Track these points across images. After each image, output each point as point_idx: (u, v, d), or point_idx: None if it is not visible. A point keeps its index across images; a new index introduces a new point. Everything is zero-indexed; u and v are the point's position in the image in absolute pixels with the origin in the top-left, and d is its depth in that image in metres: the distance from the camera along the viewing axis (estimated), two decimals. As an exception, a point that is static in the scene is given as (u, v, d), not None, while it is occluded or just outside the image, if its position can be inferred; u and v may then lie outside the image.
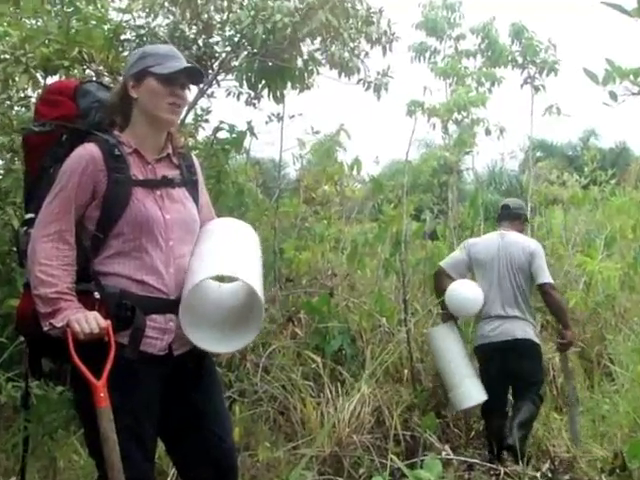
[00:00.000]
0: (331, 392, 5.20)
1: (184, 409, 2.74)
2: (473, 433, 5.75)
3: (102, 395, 2.44)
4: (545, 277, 5.32)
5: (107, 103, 2.75)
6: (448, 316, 5.43)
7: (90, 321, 2.45)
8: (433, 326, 5.83)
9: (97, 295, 2.55)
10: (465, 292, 5.33)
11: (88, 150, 2.61)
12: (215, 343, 2.71)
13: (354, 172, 7.80)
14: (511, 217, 5.59)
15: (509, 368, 5.23)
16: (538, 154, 19.10)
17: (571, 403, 5.49)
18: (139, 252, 2.61)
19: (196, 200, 2.83)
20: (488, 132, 9.40)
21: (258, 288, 2.64)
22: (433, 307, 6.27)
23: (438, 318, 5.88)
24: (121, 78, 2.80)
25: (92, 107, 2.76)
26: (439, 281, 5.49)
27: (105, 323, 2.48)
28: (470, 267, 5.48)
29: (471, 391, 5.22)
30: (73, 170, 2.58)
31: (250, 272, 2.70)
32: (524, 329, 5.25)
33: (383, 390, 5.48)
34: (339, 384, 5.35)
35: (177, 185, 2.77)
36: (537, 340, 5.37)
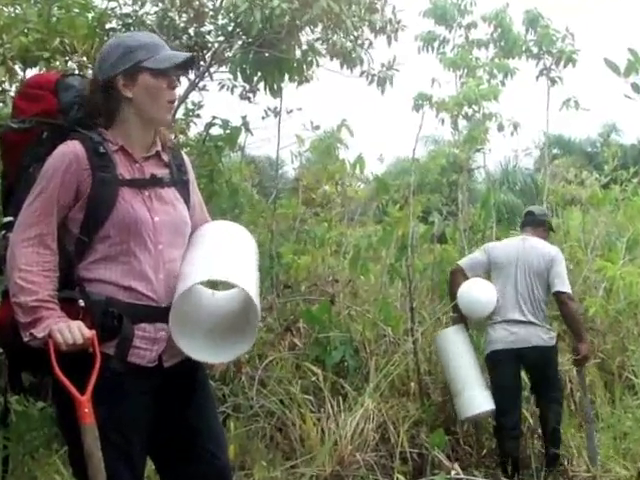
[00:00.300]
0: (332, 407, 5.20)
1: (175, 425, 2.73)
2: (485, 451, 5.75)
3: (86, 410, 2.42)
4: (563, 285, 5.46)
5: (87, 103, 2.72)
6: (459, 319, 5.57)
7: (73, 331, 2.44)
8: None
9: (81, 303, 2.54)
10: (477, 293, 5.48)
11: (71, 148, 2.60)
12: (208, 353, 2.71)
13: (357, 171, 7.81)
14: (535, 223, 5.82)
15: (526, 377, 5.47)
16: (554, 151, 19.12)
17: (588, 420, 5.56)
18: (127, 257, 2.60)
19: (187, 201, 2.82)
20: (501, 127, 9.39)
21: (253, 294, 2.64)
22: (442, 315, 6.28)
23: (448, 326, 5.90)
24: (100, 76, 2.73)
25: (74, 102, 2.73)
26: (455, 280, 5.65)
27: (90, 333, 2.46)
28: (488, 270, 5.65)
29: (476, 398, 5.33)
30: (56, 169, 2.58)
31: (245, 277, 2.70)
32: (539, 335, 5.40)
33: (388, 405, 5.49)
34: (341, 398, 5.36)
35: (167, 185, 2.76)
36: (552, 343, 5.48)
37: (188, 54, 2.79)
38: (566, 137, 22.92)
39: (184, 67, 2.84)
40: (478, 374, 5.40)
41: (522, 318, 5.38)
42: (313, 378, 5.57)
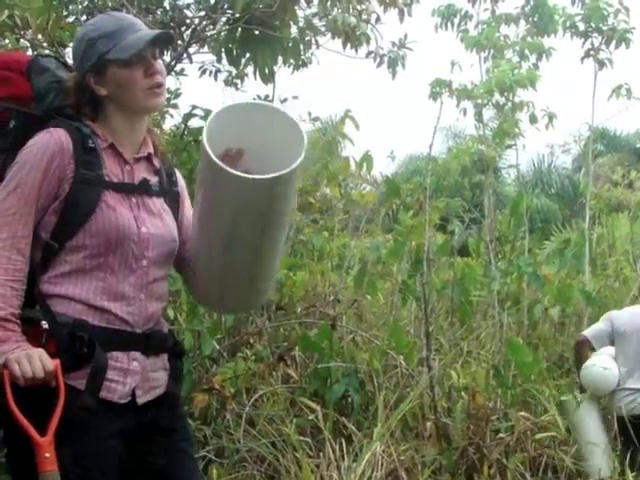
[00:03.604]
0: (334, 451, 5.21)
1: (148, 476, 2.74)
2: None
3: (47, 455, 2.40)
4: None
5: (69, 97, 2.72)
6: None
7: (34, 362, 2.41)
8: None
9: (45, 325, 2.52)
10: (600, 374, 6.04)
11: (56, 137, 2.59)
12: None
13: (363, 171, 7.83)
14: None
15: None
16: (599, 147, 19.11)
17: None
18: (103, 272, 2.59)
19: (176, 216, 2.83)
20: (534, 119, 9.38)
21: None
22: (463, 343, 6.31)
23: (469, 357, 5.96)
24: (77, 73, 2.75)
25: (50, 88, 2.73)
26: (581, 353, 6.26)
27: (52, 365, 2.45)
28: (612, 339, 6.21)
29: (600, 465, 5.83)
30: (36, 161, 2.56)
31: None
32: None
33: (400, 448, 5.49)
34: (344, 440, 5.36)
35: (155, 194, 2.77)
36: None
37: (156, 31, 2.76)
38: (612, 131, 22.83)
39: (160, 44, 2.80)
40: (603, 440, 5.93)
41: None
42: (311, 416, 5.57)
